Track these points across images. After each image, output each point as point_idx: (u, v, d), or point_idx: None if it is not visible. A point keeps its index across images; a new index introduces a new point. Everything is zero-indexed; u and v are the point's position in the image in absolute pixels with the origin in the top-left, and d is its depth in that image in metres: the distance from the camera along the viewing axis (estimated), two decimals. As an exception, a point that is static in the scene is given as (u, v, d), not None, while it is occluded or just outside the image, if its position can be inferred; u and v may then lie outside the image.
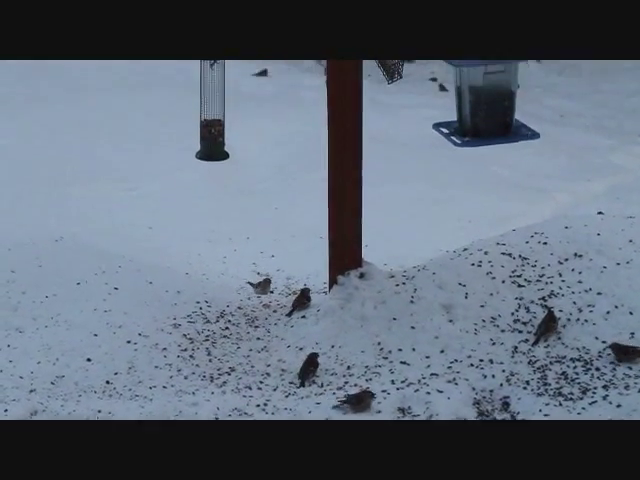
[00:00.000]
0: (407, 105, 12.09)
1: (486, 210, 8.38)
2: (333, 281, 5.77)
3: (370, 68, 5.93)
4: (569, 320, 5.45)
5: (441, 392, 5.02)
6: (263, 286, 6.43)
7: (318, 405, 4.98)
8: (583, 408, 4.86)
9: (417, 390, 5.06)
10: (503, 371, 5.14)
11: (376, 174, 6.94)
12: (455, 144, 5.02)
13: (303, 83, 13.57)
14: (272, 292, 6.49)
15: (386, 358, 5.33)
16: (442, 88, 14.16)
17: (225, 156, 5.65)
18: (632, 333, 5.34)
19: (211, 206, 8.48)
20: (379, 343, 5.41)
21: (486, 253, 5.85)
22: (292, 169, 9.50)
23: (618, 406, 4.84)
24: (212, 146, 5.57)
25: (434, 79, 14.26)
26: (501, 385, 5.04)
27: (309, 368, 5.24)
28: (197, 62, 5.52)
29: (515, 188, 9.23)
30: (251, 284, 6.49)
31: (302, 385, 5.18)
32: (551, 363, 5.20)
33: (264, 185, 9.22)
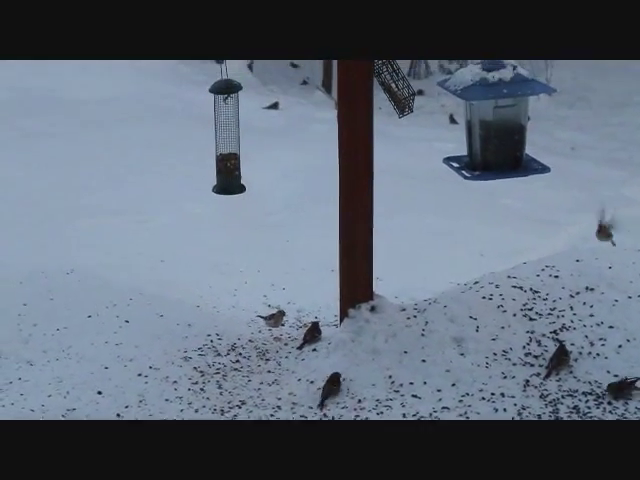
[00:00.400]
0: (418, 138, 12.15)
1: (497, 243, 8.38)
2: (344, 314, 5.76)
3: (381, 101, 5.96)
4: (581, 354, 5.43)
5: (452, 426, 5.00)
6: (276, 318, 6.42)
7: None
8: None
9: (428, 424, 5.03)
10: (515, 405, 5.11)
11: (387, 206, 6.96)
12: (465, 178, 5.01)
13: (314, 116, 13.65)
14: (283, 325, 6.49)
15: (397, 391, 5.30)
16: (452, 120, 14.23)
17: (242, 189, 5.68)
18: (644, 366, 5.33)
19: (222, 238, 8.50)
20: (390, 376, 5.39)
21: (497, 286, 5.85)
22: (303, 201, 9.53)
23: (630, 440, 4.81)
24: (228, 180, 5.59)
25: (452, 118, 14.31)
26: (512, 419, 5.02)
27: (331, 387, 5.22)
28: (211, 96, 5.55)
29: (526, 221, 9.24)
30: (262, 317, 6.48)
31: (322, 404, 5.15)
32: (563, 397, 5.17)
33: (275, 217, 9.25)
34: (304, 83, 17.06)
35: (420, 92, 15.43)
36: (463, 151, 5.11)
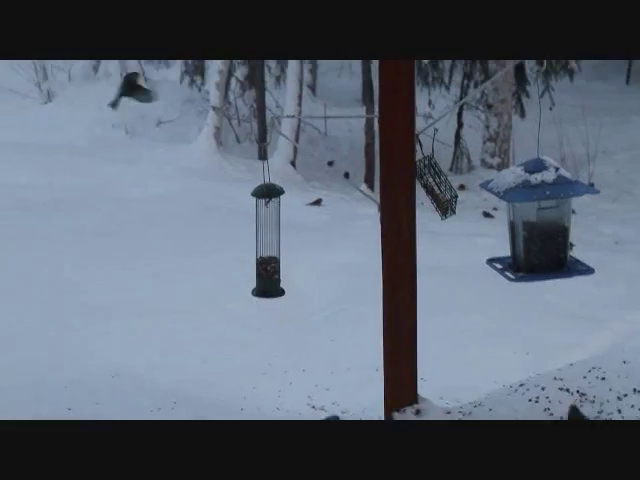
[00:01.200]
0: (459, 233, 12.13)
1: (541, 341, 8.31)
2: (389, 417, 5.70)
3: (423, 196, 5.98)
4: (630, 457, 5.33)
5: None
6: None
7: None
8: None
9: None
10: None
11: (430, 304, 6.92)
12: (509, 279, 4.98)
13: (357, 212, 13.69)
14: None
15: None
16: (486, 215, 14.26)
17: (281, 293, 5.67)
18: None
19: (265, 338, 8.49)
20: (436, 480, 5.31)
21: (543, 389, 5.77)
22: (347, 300, 9.51)
23: None
24: (268, 283, 5.58)
25: (486, 213, 14.36)
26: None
27: None
28: (253, 199, 5.58)
29: (570, 317, 9.16)
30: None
31: None
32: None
33: (319, 317, 9.23)
34: (346, 176, 17.18)
35: (462, 187, 15.48)
36: (505, 246, 5.09)
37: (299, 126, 17.42)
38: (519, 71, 17.24)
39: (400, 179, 5.16)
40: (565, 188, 4.85)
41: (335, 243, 11.48)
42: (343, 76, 23.26)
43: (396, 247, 5.61)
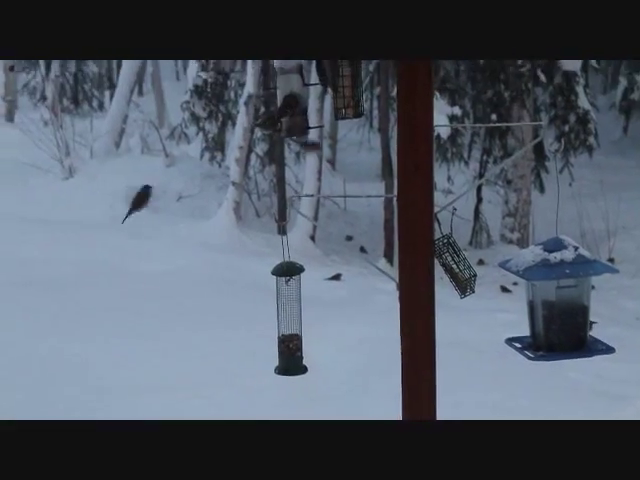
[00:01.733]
0: (478, 308, 12.11)
1: (564, 418, 8.23)
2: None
3: (442, 271, 5.97)
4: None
5: None
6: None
7: None
8: None
9: None
10: None
11: (448, 381, 6.88)
12: (529, 359, 4.96)
13: (376, 287, 13.70)
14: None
15: None
16: (504, 289, 14.27)
17: (304, 371, 5.65)
18: None
19: (285, 414, 8.44)
20: None
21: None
22: (366, 375, 9.48)
23: None
24: (291, 361, 5.56)
25: (503, 287, 14.37)
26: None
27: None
28: (273, 277, 5.59)
29: (593, 394, 9.09)
30: None
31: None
32: None
33: (339, 391, 9.20)
34: (362, 250, 17.22)
35: (481, 262, 15.49)
36: (525, 322, 5.08)
37: (318, 201, 17.54)
38: (538, 148, 17.34)
39: (418, 259, 5.16)
40: (584, 267, 4.85)
41: (354, 317, 11.47)
42: (362, 151, 23.45)
43: (415, 323, 5.60)
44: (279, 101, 4.07)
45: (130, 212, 5.72)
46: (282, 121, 4.09)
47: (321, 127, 18.42)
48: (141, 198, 6.20)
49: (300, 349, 5.68)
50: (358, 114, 4.42)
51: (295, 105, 4.03)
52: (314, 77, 4.57)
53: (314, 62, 4.24)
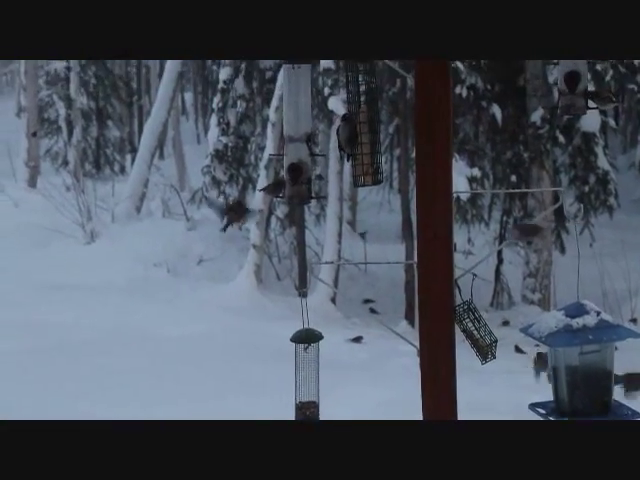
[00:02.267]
0: (500, 370, 12.02)
1: None
2: None
3: (462, 335, 5.93)
4: None
5: None
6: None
7: None
8: None
9: None
10: None
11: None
12: (553, 424, 4.91)
13: (397, 349, 13.61)
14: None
15: None
16: (518, 350, 14.19)
17: (321, 437, 5.63)
18: None
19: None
20: None
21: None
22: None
23: None
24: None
25: (517, 348, 14.28)
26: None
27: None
28: (292, 344, 5.57)
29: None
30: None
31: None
32: None
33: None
34: (372, 312, 17.19)
35: (506, 323, 15.40)
36: (548, 385, 5.04)
37: (339, 265, 17.57)
38: (558, 210, 17.34)
39: (439, 326, 5.15)
40: (607, 332, 4.81)
41: (375, 380, 11.41)
42: (383, 212, 23.47)
43: (435, 389, 5.55)
44: (285, 169, 4.12)
45: (228, 222, 5.55)
46: (286, 189, 4.15)
47: (323, 197, 18.54)
48: (235, 207, 5.83)
49: (317, 416, 5.65)
50: (377, 181, 4.40)
51: (300, 174, 4.09)
52: (322, 146, 4.58)
53: (335, 131, 4.26)
